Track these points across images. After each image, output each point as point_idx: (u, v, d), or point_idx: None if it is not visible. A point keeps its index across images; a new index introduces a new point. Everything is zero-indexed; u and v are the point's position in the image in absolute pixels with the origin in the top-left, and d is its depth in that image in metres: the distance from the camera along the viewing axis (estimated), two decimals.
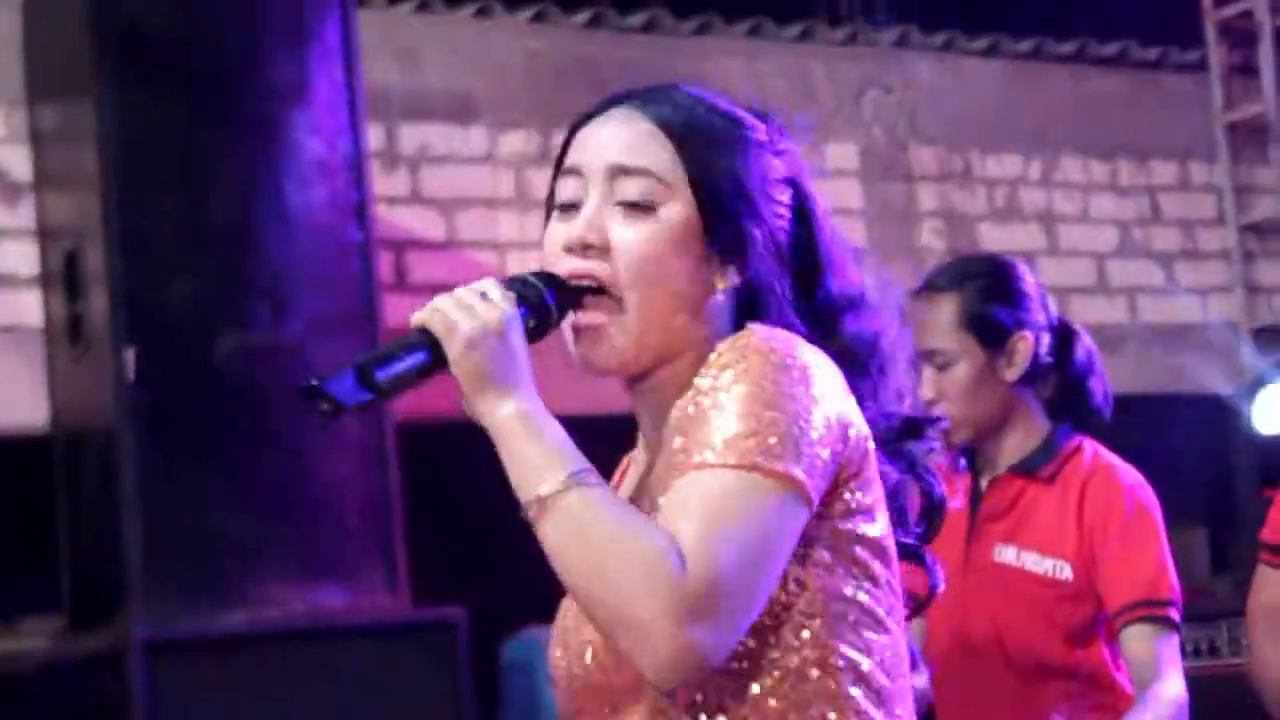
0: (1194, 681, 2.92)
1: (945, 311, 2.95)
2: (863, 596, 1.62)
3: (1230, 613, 4.31)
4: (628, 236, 1.65)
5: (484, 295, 1.61)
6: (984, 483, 3.01)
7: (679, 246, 1.66)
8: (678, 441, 1.60)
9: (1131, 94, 6.65)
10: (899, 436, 1.73)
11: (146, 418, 4.03)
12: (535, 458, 1.56)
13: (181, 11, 4.19)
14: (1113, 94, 6.60)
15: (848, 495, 1.62)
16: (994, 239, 6.12)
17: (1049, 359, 3.01)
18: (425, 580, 4.25)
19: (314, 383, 1.59)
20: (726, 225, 1.67)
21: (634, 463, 1.79)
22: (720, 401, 1.56)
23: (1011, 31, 6.50)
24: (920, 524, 1.79)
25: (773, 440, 1.53)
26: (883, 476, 1.68)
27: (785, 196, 1.73)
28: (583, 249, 1.65)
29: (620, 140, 1.68)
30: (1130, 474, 2.95)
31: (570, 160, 1.70)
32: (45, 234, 4.65)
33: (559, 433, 1.58)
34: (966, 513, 3.00)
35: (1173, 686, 2.81)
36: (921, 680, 3.11)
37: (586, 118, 1.73)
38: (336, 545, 4.14)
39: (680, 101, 1.72)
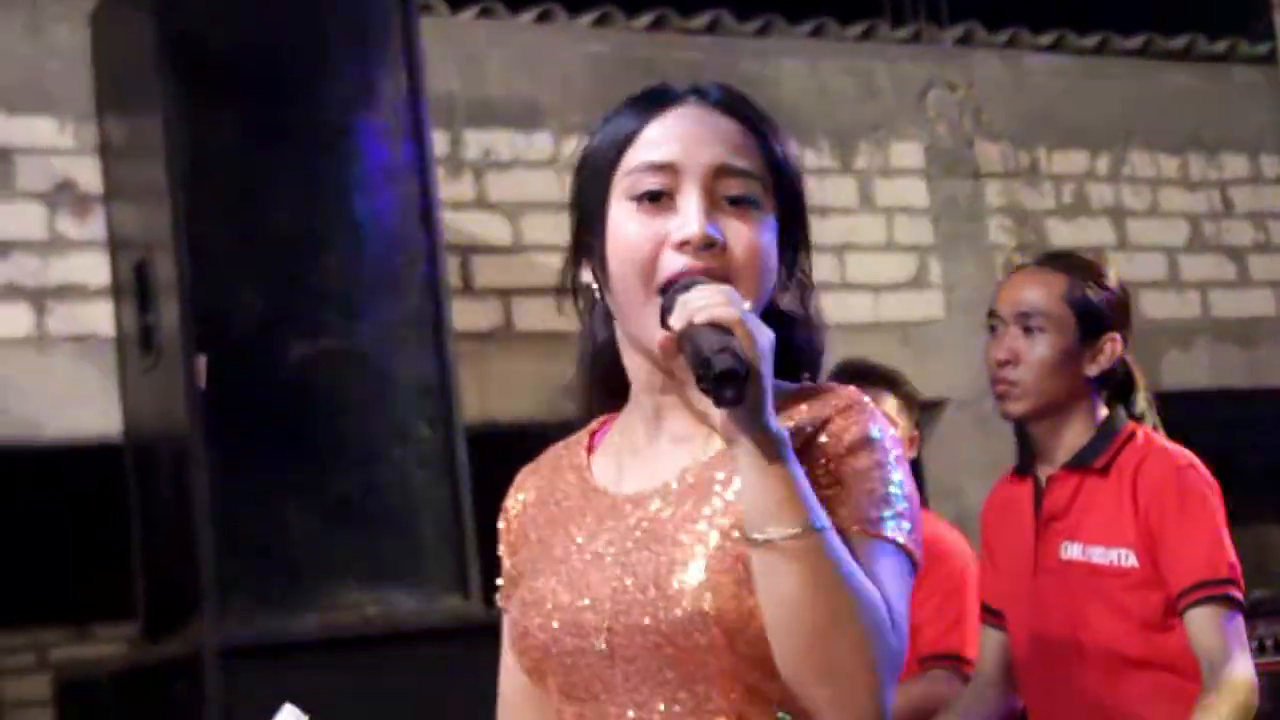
0: (1270, 678, 2.88)
1: (1057, 283, 2.97)
2: None
3: None
4: (743, 233, 1.65)
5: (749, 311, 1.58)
6: (1043, 482, 3.00)
7: (773, 248, 1.68)
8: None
9: (1200, 87, 6.59)
10: None
11: (218, 426, 4.06)
12: (791, 492, 1.54)
13: (246, 23, 4.22)
14: (1181, 87, 6.55)
15: None
16: (1063, 235, 6.09)
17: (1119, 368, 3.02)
18: (495, 581, 4.26)
19: (738, 369, 1.51)
20: (795, 230, 1.71)
21: (609, 452, 1.77)
22: (864, 470, 1.62)
23: (1076, 27, 6.46)
24: None
25: (915, 531, 1.63)
26: None
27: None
28: (708, 247, 1.63)
29: (719, 138, 1.67)
30: (1181, 455, 2.93)
31: (659, 156, 1.67)
32: (115, 245, 4.70)
33: (801, 473, 1.57)
34: (1032, 515, 2.98)
35: (1241, 667, 2.78)
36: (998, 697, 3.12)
37: (646, 118, 1.71)
38: (408, 549, 4.16)
39: (744, 99, 1.73)
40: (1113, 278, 3.04)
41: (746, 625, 1.57)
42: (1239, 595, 2.84)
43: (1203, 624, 2.80)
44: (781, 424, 1.59)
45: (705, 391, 1.52)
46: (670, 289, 1.62)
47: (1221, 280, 6.47)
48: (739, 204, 1.65)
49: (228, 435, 4.06)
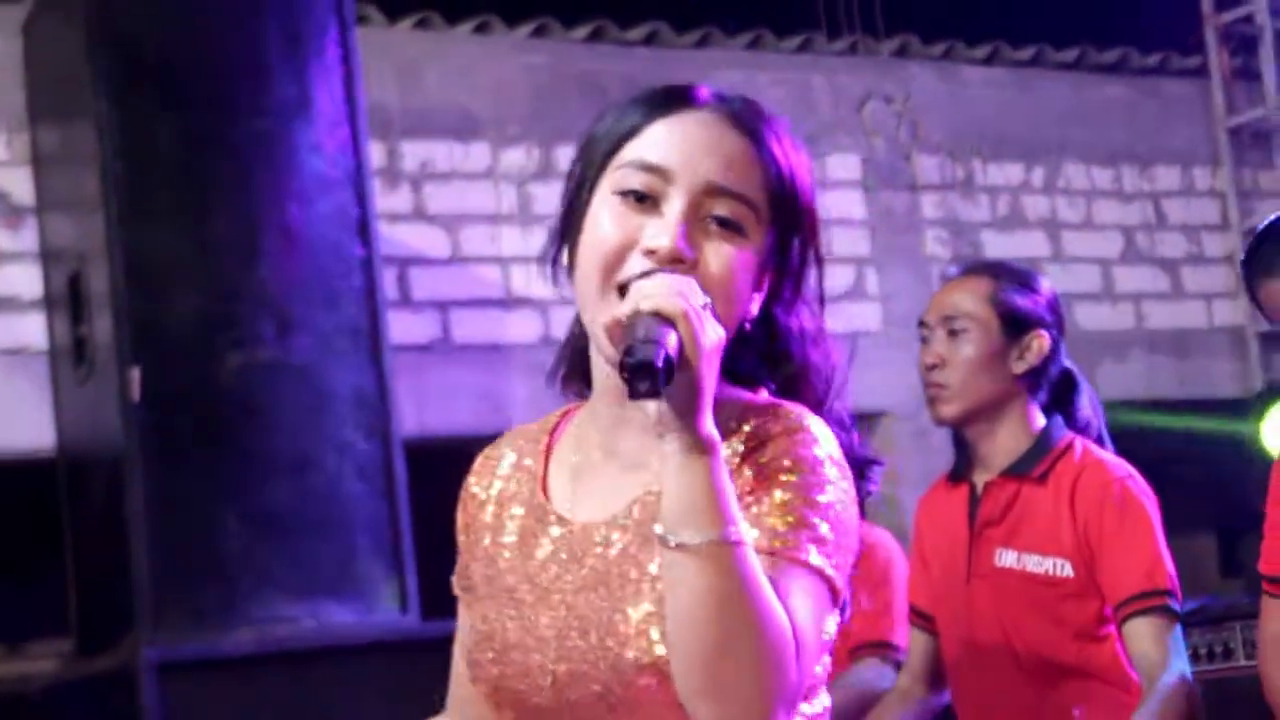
0: (1208, 685, 2.91)
1: (976, 286, 3.02)
2: (819, 670, 1.64)
3: (1242, 615, 4.29)
4: (721, 254, 1.60)
5: (707, 307, 1.54)
6: (979, 488, 3.02)
7: (755, 273, 1.63)
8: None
9: (1133, 100, 6.65)
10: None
11: (152, 438, 4.03)
12: (716, 497, 1.49)
13: (181, 31, 4.19)
14: (1114, 100, 6.60)
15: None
16: (998, 246, 6.12)
17: (1055, 371, 3.04)
18: (434, 595, 4.24)
19: (652, 360, 1.45)
20: (788, 258, 1.66)
21: (563, 460, 1.72)
22: (780, 487, 1.56)
23: (1011, 40, 6.50)
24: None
25: (839, 556, 1.57)
26: None
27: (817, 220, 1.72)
28: (674, 262, 1.58)
29: (720, 155, 1.62)
30: (1120, 466, 2.96)
31: (656, 157, 1.62)
32: (48, 256, 4.66)
33: (728, 481, 1.53)
34: (966, 521, 3.00)
35: (1178, 675, 2.80)
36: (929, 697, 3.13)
37: (657, 113, 1.65)
38: (345, 563, 4.13)
39: (760, 114, 1.67)
40: (1043, 283, 3.08)
41: None
42: (1177, 606, 2.86)
43: (1142, 634, 2.83)
44: (725, 434, 1.55)
45: (623, 379, 1.46)
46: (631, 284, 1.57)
47: (1155, 292, 6.53)
48: (724, 226, 1.60)
49: (162, 448, 4.03)
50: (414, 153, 5.34)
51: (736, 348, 1.64)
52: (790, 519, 1.54)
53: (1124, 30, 6.67)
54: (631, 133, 1.65)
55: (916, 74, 6.22)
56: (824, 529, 1.55)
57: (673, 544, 1.48)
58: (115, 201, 4.10)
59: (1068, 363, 3.08)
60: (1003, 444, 3.00)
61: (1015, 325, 2.99)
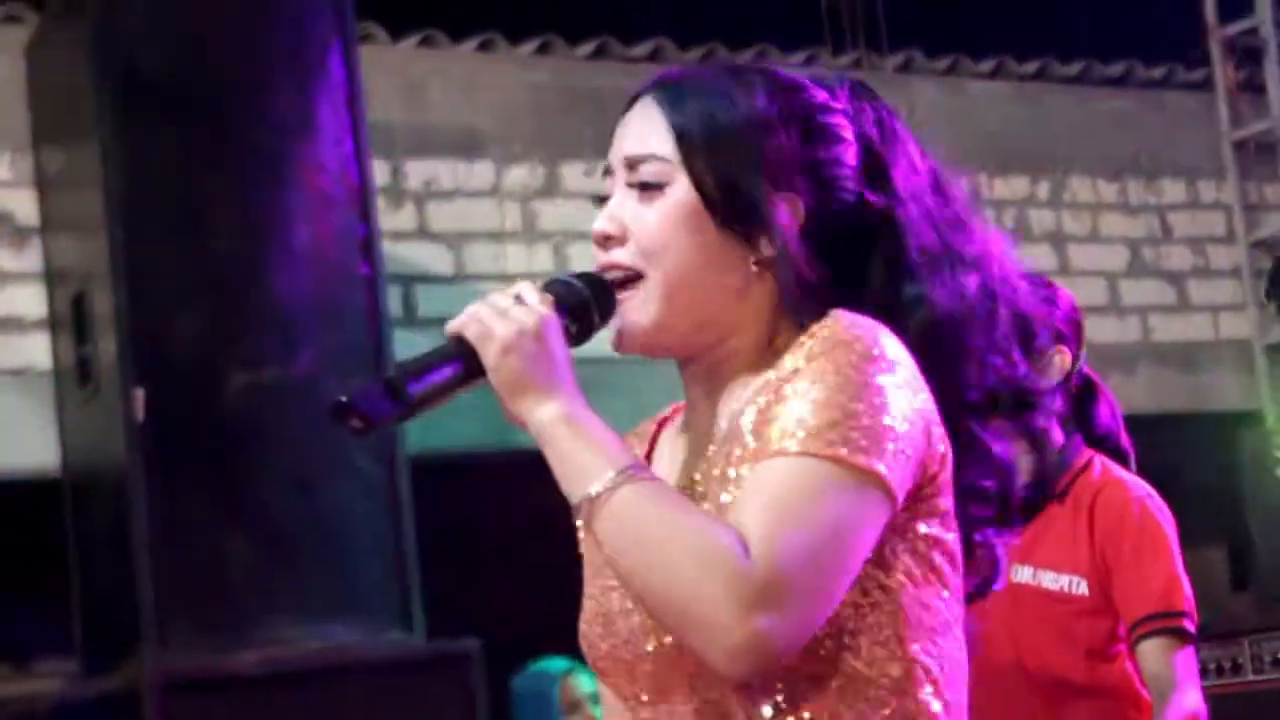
0: (1215, 700, 2.89)
1: None
2: (938, 604, 1.60)
3: (1251, 630, 4.27)
4: (639, 216, 1.64)
5: (519, 298, 1.58)
6: None
7: (689, 221, 1.63)
8: (748, 426, 1.57)
9: (1138, 113, 6.64)
10: (1016, 405, 1.70)
11: (157, 458, 4.02)
12: (581, 458, 1.53)
13: (183, 51, 4.19)
14: (1119, 113, 6.59)
15: (931, 497, 1.58)
16: None
17: (1074, 383, 3.03)
18: (438, 614, 4.23)
19: (343, 399, 1.54)
20: (729, 202, 1.63)
21: (668, 441, 1.74)
22: (802, 390, 1.53)
23: (1016, 54, 6.50)
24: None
25: (855, 433, 1.49)
26: (995, 452, 1.68)
27: (846, 159, 1.68)
28: (604, 240, 1.65)
29: (633, 130, 1.67)
30: (1139, 486, 2.94)
31: (607, 158, 1.69)
32: (52, 277, 4.65)
33: (604, 430, 1.55)
34: None
35: (1190, 699, 2.79)
36: None
37: (626, 112, 1.71)
38: (350, 581, 4.12)
39: (690, 82, 1.69)
40: (1062, 296, 3.06)
41: None
42: (1192, 628, 2.85)
43: (1155, 655, 2.82)
44: (770, 364, 1.57)
45: None
46: None
47: (1161, 305, 6.51)
48: (644, 190, 1.64)
49: (166, 467, 4.02)
50: (418, 170, 5.34)
51: (786, 286, 1.61)
52: (807, 418, 1.50)
53: (1129, 43, 6.67)
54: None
55: (921, 89, 6.22)
56: (851, 422, 1.49)
57: (577, 513, 1.53)
58: (119, 222, 4.10)
59: (1087, 370, 3.07)
60: (1023, 462, 2.98)
61: (1034, 343, 2.98)
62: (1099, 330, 6.28)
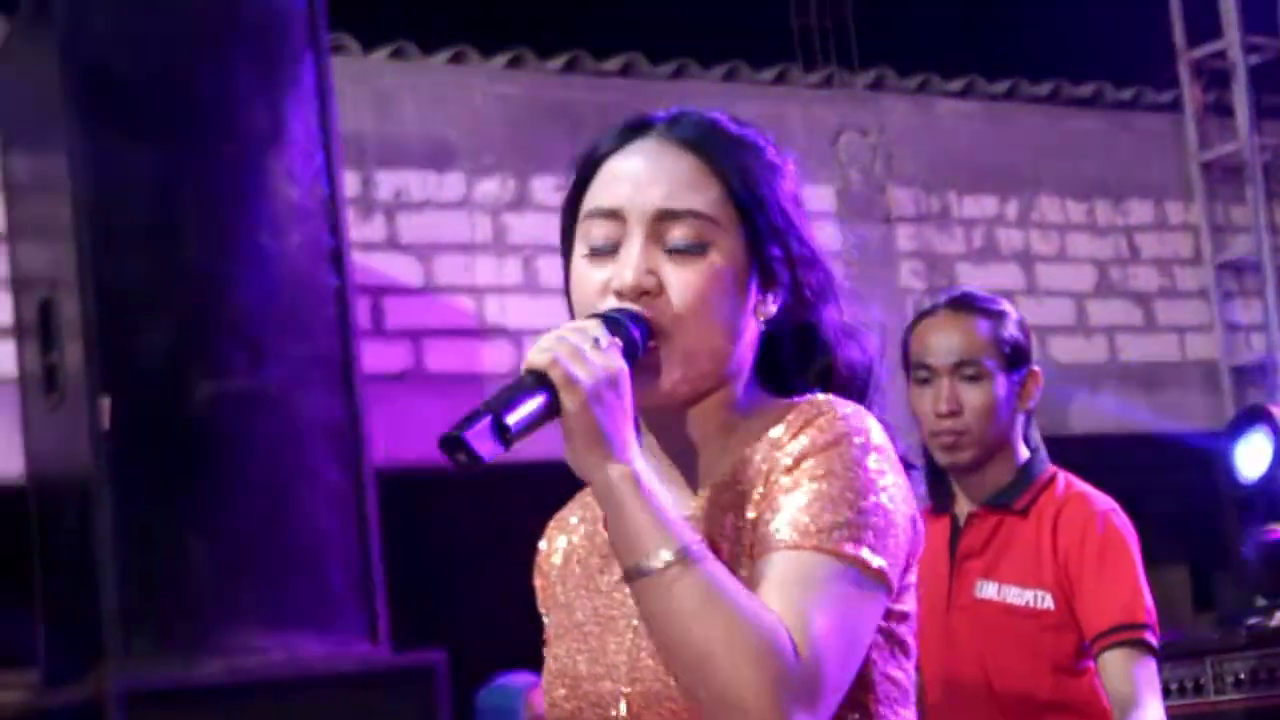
0: None
1: (980, 326, 2.97)
2: (898, 673, 1.65)
3: (1213, 650, 4.29)
4: (683, 279, 1.61)
5: (596, 342, 1.54)
6: (961, 519, 3.01)
7: (730, 287, 1.63)
8: (752, 500, 1.58)
9: (1107, 134, 6.67)
10: None
11: (122, 467, 4.00)
12: (647, 526, 1.51)
13: (154, 59, 4.18)
14: (1088, 134, 6.62)
15: (904, 574, 1.64)
16: (972, 279, 6.13)
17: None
18: (403, 626, 4.22)
19: (456, 434, 1.48)
20: (771, 257, 1.66)
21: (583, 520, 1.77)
22: (818, 480, 1.56)
23: (986, 73, 6.53)
24: None
25: (869, 533, 1.55)
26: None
27: (798, 218, 1.72)
28: (638, 296, 1.60)
29: (664, 180, 1.64)
30: (1102, 500, 2.95)
31: (607, 201, 1.64)
32: (19, 284, 4.63)
33: (666, 499, 1.54)
34: (947, 552, 2.99)
35: (1152, 712, 2.80)
36: None
37: (609, 150, 1.67)
38: (315, 593, 4.11)
39: (711, 129, 1.69)
40: (1013, 310, 3.07)
41: None
42: (1154, 640, 2.86)
43: (1117, 667, 2.82)
44: (756, 439, 1.59)
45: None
46: None
47: (1128, 325, 6.54)
48: (683, 250, 1.61)
49: (132, 477, 4.00)
50: (388, 182, 5.33)
51: (766, 354, 1.68)
52: (823, 513, 1.55)
53: (1098, 65, 6.70)
54: (589, 177, 1.68)
55: (891, 106, 6.24)
56: (861, 520, 1.55)
57: (631, 575, 1.51)
58: (87, 229, 4.08)
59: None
60: (989, 477, 2.99)
61: (1018, 364, 2.99)
62: (1066, 350, 6.31)
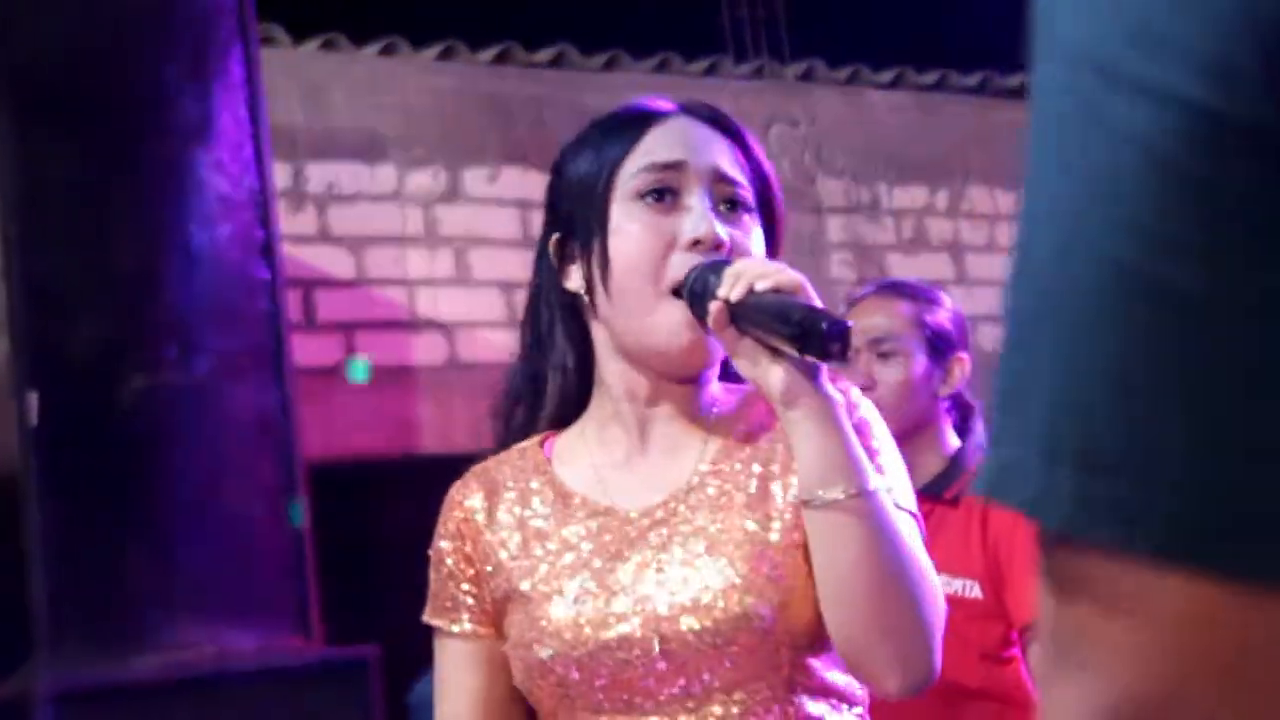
0: None
1: (903, 308, 3.04)
2: None
3: None
4: (747, 232, 1.75)
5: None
6: None
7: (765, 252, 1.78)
8: (778, 459, 1.71)
9: None
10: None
11: (50, 462, 3.97)
12: (853, 452, 1.61)
13: (81, 50, 4.14)
14: (1017, 125, 6.66)
15: None
16: (903, 269, 6.17)
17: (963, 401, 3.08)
18: (335, 621, 4.21)
19: (846, 326, 1.56)
20: (776, 243, 1.82)
21: (581, 452, 1.80)
22: (882, 444, 1.72)
23: (916, 64, 6.56)
24: None
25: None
26: None
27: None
28: (717, 247, 1.70)
29: (718, 148, 1.76)
30: None
31: (666, 156, 1.73)
32: None
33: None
34: None
35: None
36: None
37: (647, 119, 1.76)
38: (247, 588, 4.09)
39: (744, 130, 1.84)
40: (948, 300, 3.11)
41: (785, 617, 1.61)
42: None
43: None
44: (729, 411, 1.72)
45: (808, 350, 1.54)
46: (690, 279, 1.66)
47: None
48: (737, 209, 1.74)
49: (61, 472, 3.97)
50: (319, 174, 5.31)
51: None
52: (900, 477, 1.72)
53: (1027, 56, 6.74)
54: (629, 147, 1.75)
55: (822, 98, 6.26)
56: (905, 480, 1.72)
57: (819, 503, 1.57)
58: (14, 224, 4.04)
59: (966, 395, 3.11)
60: (917, 466, 3.01)
61: (941, 349, 3.02)
62: (995, 339, 6.35)
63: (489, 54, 5.75)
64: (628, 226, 1.70)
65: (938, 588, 1.62)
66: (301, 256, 5.13)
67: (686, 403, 1.74)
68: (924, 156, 6.41)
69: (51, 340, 4.04)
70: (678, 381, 1.73)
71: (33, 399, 3.97)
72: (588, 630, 1.66)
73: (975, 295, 6.33)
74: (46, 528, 3.95)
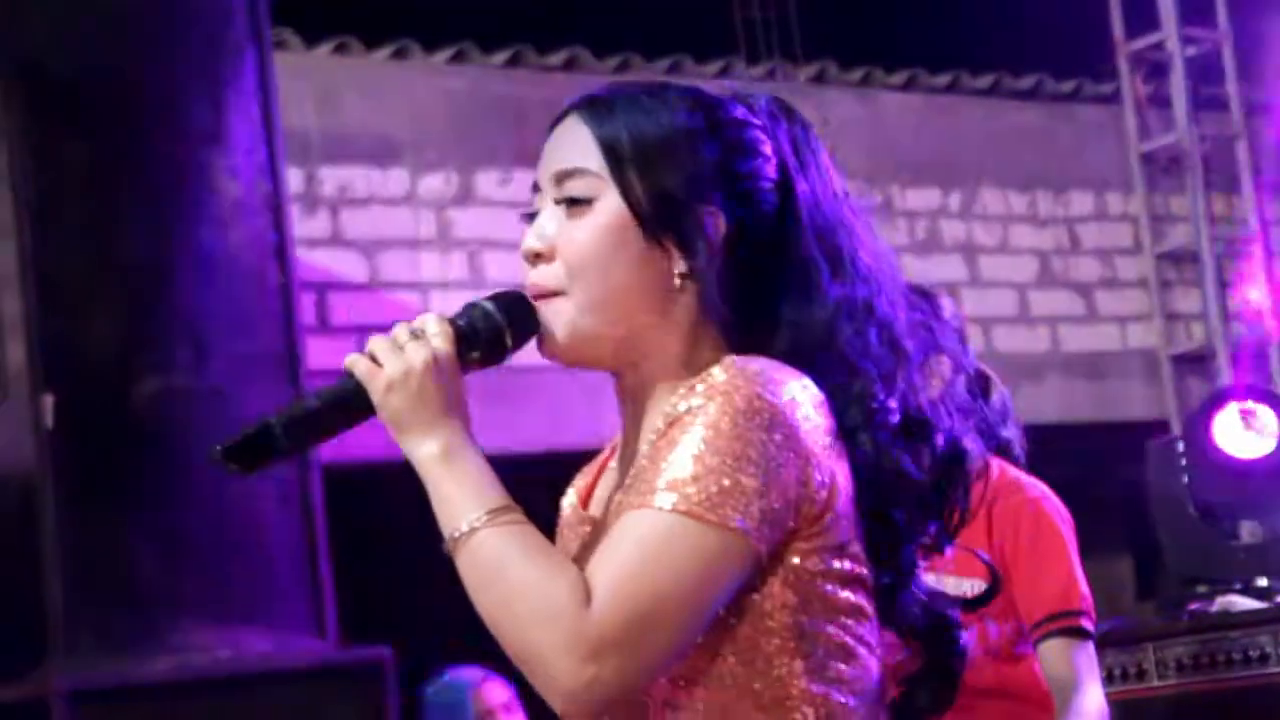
0: (1121, 706, 2.94)
1: None
2: (831, 630, 1.63)
3: (1155, 636, 4.34)
4: (566, 233, 1.66)
5: (416, 333, 1.62)
6: None
7: (615, 236, 1.65)
8: (645, 457, 1.61)
9: (1047, 126, 6.72)
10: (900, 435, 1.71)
11: (66, 465, 3.98)
12: (453, 497, 1.58)
13: (94, 54, 4.16)
14: (1029, 126, 6.67)
15: (812, 538, 1.60)
16: (916, 271, 6.16)
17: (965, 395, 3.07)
18: (350, 621, 4.22)
19: (219, 447, 1.64)
20: (657, 211, 1.65)
21: (613, 466, 1.79)
22: (676, 439, 1.57)
23: (928, 66, 6.56)
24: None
25: (714, 489, 1.54)
26: (909, 477, 1.71)
27: (765, 173, 1.72)
28: (534, 258, 1.67)
29: (560, 147, 1.70)
30: (1035, 486, 2.99)
31: (536, 175, 1.72)
32: None
33: (482, 470, 1.60)
34: None
35: (1092, 697, 2.84)
36: None
37: (552, 128, 1.74)
38: (262, 589, 4.10)
39: (614, 98, 1.72)
40: (946, 305, 3.09)
41: None
42: (1090, 626, 2.89)
43: (1056, 654, 2.86)
44: (659, 408, 1.60)
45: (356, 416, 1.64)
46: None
47: (1070, 315, 6.59)
48: (572, 205, 1.66)
49: (76, 474, 3.99)
50: (332, 178, 5.32)
51: (708, 300, 1.65)
52: (656, 470, 1.56)
53: (1039, 57, 6.75)
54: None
55: (835, 99, 6.26)
56: (689, 469, 1.54)
57: (448, 550, 1.59)
58: (29, 226, 4.06)
59: (983, 367, 3.10)
60: None
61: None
62: (1008, 340, 6.35)
63: (501, 57, 5.76)
64: None
65: (560, 614, 1.50)
66: (315, 260, 5.15)
67: (628, 408, 1.70)
68: (936, 158, 6.41)
69: (66, 344, 4.05)
70: (615, 384, 1.71)
71: (48, 402, 3.98)
72: None
73: (988, 296, 6.33)
74: (62, 530, 3.96)
